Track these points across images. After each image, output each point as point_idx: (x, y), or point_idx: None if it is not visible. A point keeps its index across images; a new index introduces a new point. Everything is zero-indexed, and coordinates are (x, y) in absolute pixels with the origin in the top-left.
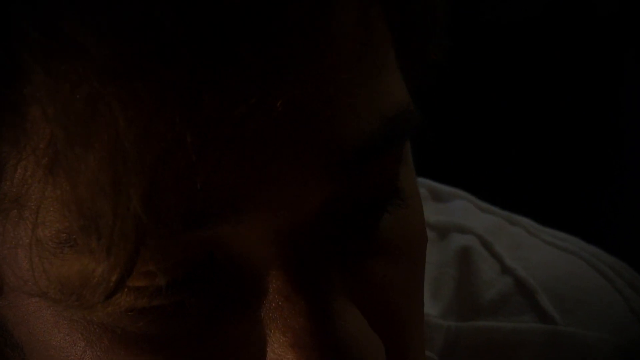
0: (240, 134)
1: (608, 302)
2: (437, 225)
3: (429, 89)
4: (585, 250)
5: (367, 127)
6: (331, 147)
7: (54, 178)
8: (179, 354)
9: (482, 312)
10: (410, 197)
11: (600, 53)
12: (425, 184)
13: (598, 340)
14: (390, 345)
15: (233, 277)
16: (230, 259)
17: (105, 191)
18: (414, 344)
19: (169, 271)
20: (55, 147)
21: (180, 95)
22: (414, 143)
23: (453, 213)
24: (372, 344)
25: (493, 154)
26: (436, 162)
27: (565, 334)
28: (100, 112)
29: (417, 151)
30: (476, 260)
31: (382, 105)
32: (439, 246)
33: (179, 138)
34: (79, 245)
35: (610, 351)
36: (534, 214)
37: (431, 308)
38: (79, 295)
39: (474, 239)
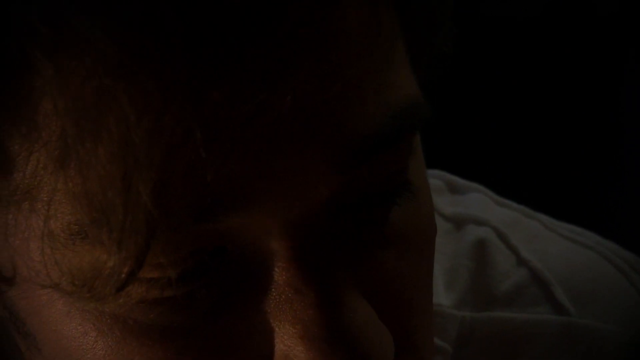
0: (250, 128)
1: (623, 295)
2: (453, 216)
3: (431, 87)
4: (601, 245)
5: (375, 121)
6: (340, 141)
7: (65, 171)
8: (188, 344)
9: (497, 303)
10: (419, 189)
11: (600, 53)
12: (442, 176)
13: (612, 332)
14: (398, 336)
15: (242, 268)
16: (240, 251)
17: (115, 185)
18: (423, 334)
19: (180, 263)
20: (66, 141)
21: (189, 91)
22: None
23: (469, 205)
24: (381, 335)
25: (492, 153)
26: (434, 162)
27: (580, 326)
28: (110, 107)
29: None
30: (492, 252)
31: (391, 98)
32: (455, 237)
33: (188, 133)
34: (90, 237)
35: (624, 344)
36: None
37: (445, 299)
38: (91, 287)
39: (490, 231)
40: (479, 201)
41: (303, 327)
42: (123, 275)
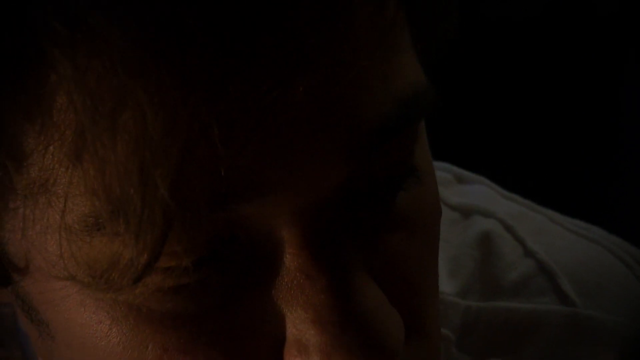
0: (265, 121)
1: (628, 288)
2: (460, 206)
3: (436, 74)
4: (606, 239)
5: (384, 109)
6: (350, 129)
7: (82, 165)
8: (202, 330)
9: (504, 293)
10: (425, 173)
11: (600, 53)
12: (449, 169)
13: (616, 324)
14: (407, 319)
15: (255, 256)
16: (252, 238)
17: (132, 179)
18: (431, 317)
19: (194, 252)
20: (82, 136)
21: (205, 86)
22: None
23: (476, 197)
24: (392, 318)
25: (492, 153)
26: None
27: (584, 317)
28: (127, 103)
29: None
30: (498, 242)
31: (398, 86)
32: (461, 227)
33: (204, 127)
34: (107, 230)
35: (628, 335)
36: None
37: (447, 286)
38: (108, 278)
39: (497, 223)
40: (485, 193)
41: (315, 311)
42: (140, 266)
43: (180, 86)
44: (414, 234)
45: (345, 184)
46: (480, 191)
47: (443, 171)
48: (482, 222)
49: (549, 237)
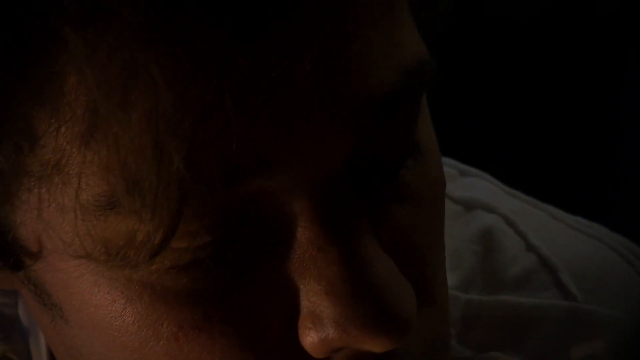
0: (275, 93)
1: (629, 284)
2: (462, 200)
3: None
4: (608, 236)
5: (389, 80)
6: (357, 101)
7: (96, 142)
8: (216, 306)
9: (505, 287)
10: (428, 146)
11: (600, 53)
12: (454, 165)
13: (617, 319)
14: (418, 289)
15: (267, 231)
16: (264, 213)
17: (147, 153)
18: (440, 286)
19: (208, 228)
20: (95, 114)
21: (216, 57)
22: None
23: (479, 192)
24: (405, 288)
25: (492, 153)
26: None
27: (586, 312)
28: (139, 77)
29: None
30: (500, 237)
31: (402, 57)
32: (463, 220)
33: (216, 100)
34: (123, 207)
35: (629, 330)
36: None
37: (448, 280)
38: (124, 255)
39: (499, 218)
40: (488, 189)
41: (328, 283)
42: (156, 243)
43: (191, 58)
44: (420, 205)
45: (352, 157)
46: (483, 186)
47: (447, 166)
48: (485, 216)
49: (551, 233)
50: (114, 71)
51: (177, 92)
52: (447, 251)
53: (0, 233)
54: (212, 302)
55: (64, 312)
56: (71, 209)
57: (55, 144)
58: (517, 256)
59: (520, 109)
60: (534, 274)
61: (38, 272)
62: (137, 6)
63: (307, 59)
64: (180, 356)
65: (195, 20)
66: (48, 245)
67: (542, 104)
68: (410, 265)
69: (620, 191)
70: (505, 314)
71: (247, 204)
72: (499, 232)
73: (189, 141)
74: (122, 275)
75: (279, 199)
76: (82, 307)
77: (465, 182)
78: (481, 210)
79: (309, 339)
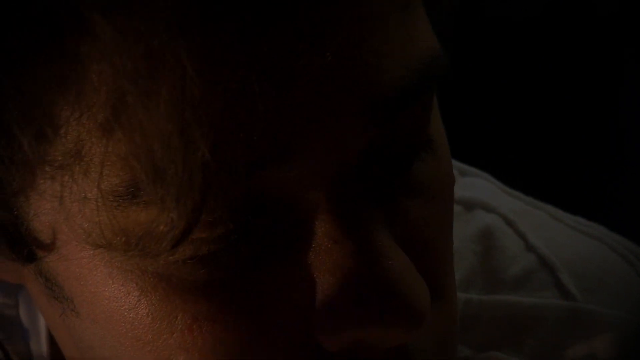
0: (299, 83)
1: (629, 283)
2: (463, 199)
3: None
4: (608, 236)
5: (405, 73)
6: (375, 93)
7: (120, 131)
8: (232, 298)
9: (505, 287)
10: (439, 141)
11: (600, 53)
12: (454, 165)
13: (616, 318)
14: (429, 283)
15: (283, 223)
16: (281, 206)
17: (172, 141)
18: (450, 281)
19: (228, 219)
20: (122, 101)
21: (245, 45)
22: None
23: (479, 191)
24: (419, 282)
25: (491, 153)
26: None
27: (585, 311)
28: (168, 64)
29: None
30: (500, 237)
31: (417, 51)
32: (463, 220)
33: (244, 87)
34: (145, 196)
35: (628, 330)
36: None
37: None
38: (144, 245)
39: (498, 218)
40: (488, 188)
41: (343, 276)
42: (178, 233)
43: (220, 45)
44: (432, 200)
45: (367, 150)
46: (483, 186)
47: None
48: (484, 216)
49: (550, 232)
50: (143, 58)
51: (205, 79)
52: None
53: (14, 225)
54: (228, 294)
55: (76, 305)
56: (92, 199)
57: (78, 132)
58: (517, 256)
59: (519, 109)
60: (534, 274)
61: (50, 264)
62: None
63: (330, 49)
64: (193, 348)
65: (224, 7)
66: (63, 237)
67: (541, 104)
68: (422, 260)
69: (619, 191)
70: (504, 314)
71: (264, 196)
72: (498, 231)
73: (215, 129)
74: (137, 267)
75: (295, 191)
76: (95, 299)
77: (465, 182)
78: (481, 210)
79: (324, 332)
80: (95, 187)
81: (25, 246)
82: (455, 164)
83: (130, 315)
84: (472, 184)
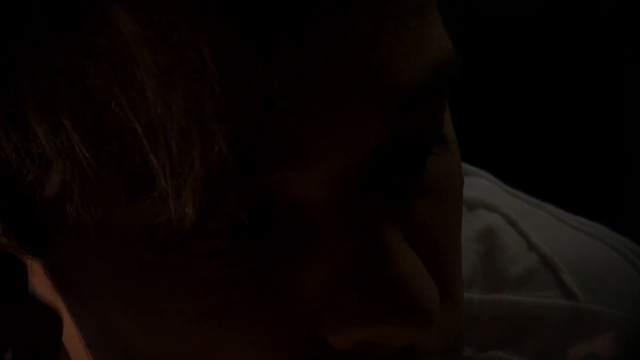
0: (317, 80)
1: (630, 283)
2: (466, 199)
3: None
4: (609, 236)
5: (420, 74)
6: (391, 93)
7: (139, 123)
8: (238, 296)
9: (507, 286)
10: (452, 141)
11: (600, 53)
12: None
13: (618, 318)
14: (438, 285)
15: (292, 221)
16: (290, 204)
17: (191, 136)
18: (458, 282)
19: (237, 217)
20: (142, 94)
21: (267, 41)
22: None
23: (482, 191)
24: (429, 282)
25: (491, 153)
26: None
27: (587, 311)
28: (189, 59)
29: None
30: (502, 236)
31: (431, 53)
32: (465, 220)
33: (263, 83)
34: (161, 190)
35: (630, 329)
36: None
37: None
38: (157, 239)
39: (500, 218)
40: (490, 188)
41: (353, 275)
42: (192, 227)
43: (241, 41)
44: (442, 201)
45: (380, 149)
46: (485, 186)
47: None
48: (486, 216)
49: (553, 232)
50: (163, 52)
51: (226, 74)
52: None
53: (25, 217)
54: (234, 292)
55: (85, 300)
56: (107, 192)
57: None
58: (519, 255)
59: (520, 109)
60: (536, 273)
61: (60, 257)
62: None
63: (347, 48)
64: (201, 345)
65: (246, 3)
66: (75, 229)
67: (542, 104)
68: (431, 260)
69: (621, 191)
70: (506, 313)
71: (277, 193)
72: (500, 231)
73: (233, 125)
74: (147, 261)
75: (305, 189)
76: (103, 293)
77: (467, 182)
78: (483, 209)
79: (333, 330)
80: (111, 180)
81: (36, 239)
82: None
83: (137, 309)
84: (474, 184)
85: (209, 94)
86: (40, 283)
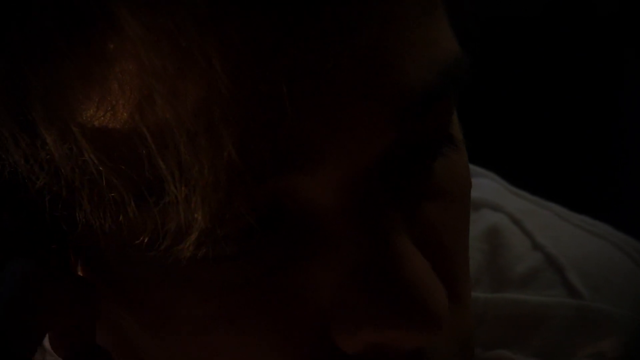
0: (323, 84)
1: (635, 282)
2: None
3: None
4: (613, 235)
5: (428, 76)
6: (399, 96)
7: (146, 128)
8: (248, 299)
9: (512, 285)
10: (460, 143)
11: (600, 53)
12: None
13: (624, 317)
14: (447, 287)
15: (301, 224)
16: (299, 207)
17: (199, 140)
18: (466, 284)
19: (254, 220)
20: (149, 99)
21: (274, 45)
22: None
23: (486, 191)
24: (437, 285)
25: (491, 153)
26: None
27: (592, 310)
28: (196, 62)
29: None
30: (507, 235)
31: (440, 55)
32: (470, 219)
33: (272, 87)
34: (169, 196)
35: (635, 328)
36: None
37: None
38: (167, 244)
39: (505, 217)
40: (494, 188)
41: (362, 279)
42: (201, 232)
43: (249, 44)
44: (451, 203)
45: (389, 151)
46: (489, 185)
47: None
48: (491, 215)
49: (557, 231)
50: (171, 56)
51: (234, 78)
52: None
53: (34, 226)
54: (244, 295)
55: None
56: (116, 198)
57: (104, 137)
58: (524, 254)
59: (520, 109)
60: (540, 272)
61: (73, 263)
62: None
63: (355, 51)
64: (211, 349)
65: (253, 7)
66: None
67: (542, 104)
68: (440, 263)
69: (621, 190)
70: (511, 312)
71: (287, 197)
72: (505, 230)
73: (242, 129)
74: (157, 264)
75: (314, 192)
76: (113, 298)
77: (472, 182)
78: (487, 209)
79: (342, 333)
80: (120, 186)
81: (51, 241)
82: None
83: (147, 315)
84: (479, 184)
85: (217, 98)
86: None
